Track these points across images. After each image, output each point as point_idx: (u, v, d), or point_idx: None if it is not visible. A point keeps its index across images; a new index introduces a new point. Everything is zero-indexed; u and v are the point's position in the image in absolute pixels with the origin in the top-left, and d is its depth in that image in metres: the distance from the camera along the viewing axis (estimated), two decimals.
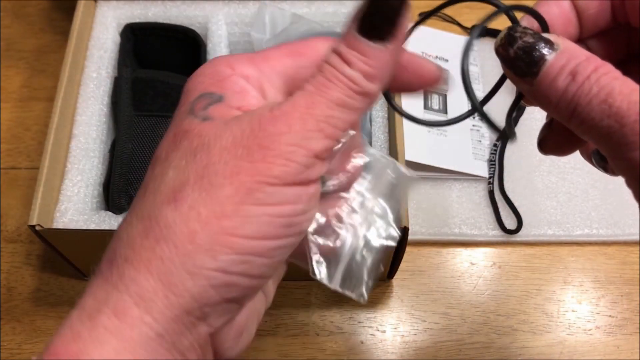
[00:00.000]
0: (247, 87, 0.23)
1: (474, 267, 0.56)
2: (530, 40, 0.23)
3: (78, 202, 0.48)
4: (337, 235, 0.24)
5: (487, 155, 0.60)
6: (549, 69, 0.23)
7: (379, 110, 0.52)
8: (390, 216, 0.25)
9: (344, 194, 0.25)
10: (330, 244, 0.24)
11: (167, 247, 0.21)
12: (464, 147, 0.59)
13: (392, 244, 0.25)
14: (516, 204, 0.57)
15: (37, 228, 0.44)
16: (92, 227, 0.47)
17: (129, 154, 0.51)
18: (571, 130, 0.23)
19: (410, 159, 0.56)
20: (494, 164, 0.59)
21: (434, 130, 0.59)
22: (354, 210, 0.25)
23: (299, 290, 0.55)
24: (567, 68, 0.22)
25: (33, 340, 0.53)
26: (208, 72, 0.24)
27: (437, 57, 0.64)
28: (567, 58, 0.22)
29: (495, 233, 0.56)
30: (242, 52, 0.59)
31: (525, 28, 0.24)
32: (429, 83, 0.25)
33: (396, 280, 0.55)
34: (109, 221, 0.47)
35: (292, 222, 0.22)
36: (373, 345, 0.52)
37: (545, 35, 0.23)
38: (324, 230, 0.24)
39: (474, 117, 0.61)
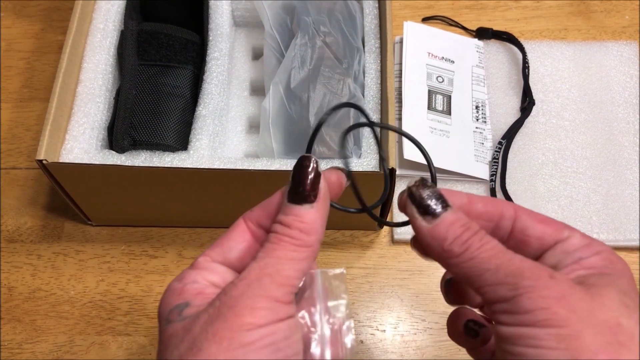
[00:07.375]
0: (201, 286, 0.29)
1: None
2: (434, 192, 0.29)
3: (83, 142, 0.50)
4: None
5: (488, 158, 0.59)
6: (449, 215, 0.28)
7: (371, 112, 0.52)
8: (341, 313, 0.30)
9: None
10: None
11: None
12: (466, 148, 0.59)
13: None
14: None
15: (44, 162, 0.46)
16: (96, 163, 0.49)
17: (133, 99, 0.53)
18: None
19: (411, 159, 0.56)
20: (497, 162, 0.59)
21: (437, 131, 0.59)
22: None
23: None
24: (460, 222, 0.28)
25: (34, 340, 0.53)
26: (166, 295, 0.29)
27: (443, 58, 0.64)
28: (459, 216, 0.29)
29: None
30: (243, 8, 0.61)
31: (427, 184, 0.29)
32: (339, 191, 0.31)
33: (396, 280, 0.55)
34: (112, 159, 0.49)
35: (278, 347, 0.26)
36: (373, 344, 0.53)
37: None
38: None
39: (475, 120, 0.61)
